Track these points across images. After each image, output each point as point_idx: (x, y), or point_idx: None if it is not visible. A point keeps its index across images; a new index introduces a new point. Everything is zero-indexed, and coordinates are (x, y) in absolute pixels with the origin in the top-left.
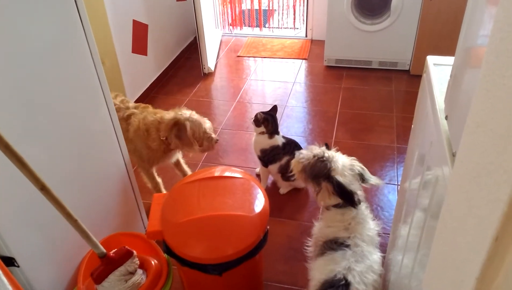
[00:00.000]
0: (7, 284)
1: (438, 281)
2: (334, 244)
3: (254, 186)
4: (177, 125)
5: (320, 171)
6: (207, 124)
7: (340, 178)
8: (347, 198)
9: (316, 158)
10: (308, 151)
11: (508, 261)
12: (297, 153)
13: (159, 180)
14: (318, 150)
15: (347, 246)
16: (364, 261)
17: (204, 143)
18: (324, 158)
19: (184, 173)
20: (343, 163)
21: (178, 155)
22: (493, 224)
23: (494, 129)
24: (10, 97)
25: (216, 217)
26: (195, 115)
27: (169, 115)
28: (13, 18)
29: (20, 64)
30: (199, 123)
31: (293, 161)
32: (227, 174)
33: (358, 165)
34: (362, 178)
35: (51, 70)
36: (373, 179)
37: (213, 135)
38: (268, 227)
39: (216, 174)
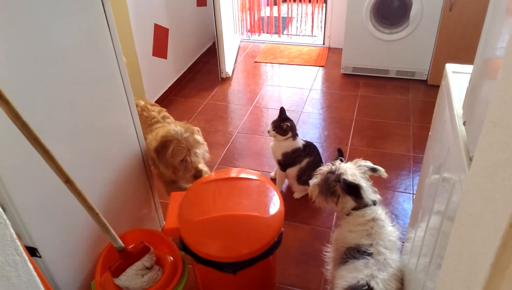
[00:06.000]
0: (32, 270)
1: (454, 272)
2: (356, 253)
3: (269, 188)
4: (164, 145)
5: (331, 180)
6: (196, 153)
7: (348, 177)
8: (355, 193)
9: (326, 173)
10: (318, 174)
11: None
12: (310, 182)
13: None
14: (325, 167)
15: (370, 254)
16: (387, 269)
17: (180, 173)
18: (332, 169)
19: None
20: (349, 166)
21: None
22: (508, 212)
23: (511, 127)
24: (39, 94)
25: (231, 217)
26: (181, 141)
27: (162, 131)
28: (45, 19)
29: (48, 64)
30: (176, 150)
31: (310, 189)
32: (243, 175)
33: (363, 163)
34: (373, 170)
35: (78, 69)
36: (380, 170)
37: (194, 169)
38: (282, 229)
39: (233, 175)
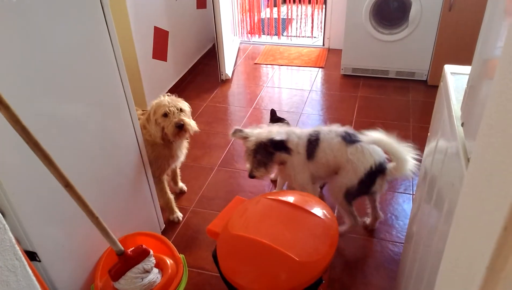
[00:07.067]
0: (31, 275)
1: (451, 275)
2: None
3: (329, 233)
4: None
5: (261, 153)
6: (177, 105)
7: (264, 137)
8: (283, 148)
9: (253, 152)
10: (248, 163)
11: None
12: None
13: (171, 196)
14: (246, 156)
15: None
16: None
17: (165, 128)
18: (250, 146)
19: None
20: (256, 131)
21: (180, 159)
22: (503, 215)
23: (506, 129)
24: (39, 98)
25: (266, 247)
26: (164, 100)
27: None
28: (45, 23)
29: (48, 68)
30: (158, 105)
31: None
32: (311, 208)
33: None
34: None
35: (78, 72)
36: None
37: (177, 119)
38: (322, 279)
39: (301, 203)
